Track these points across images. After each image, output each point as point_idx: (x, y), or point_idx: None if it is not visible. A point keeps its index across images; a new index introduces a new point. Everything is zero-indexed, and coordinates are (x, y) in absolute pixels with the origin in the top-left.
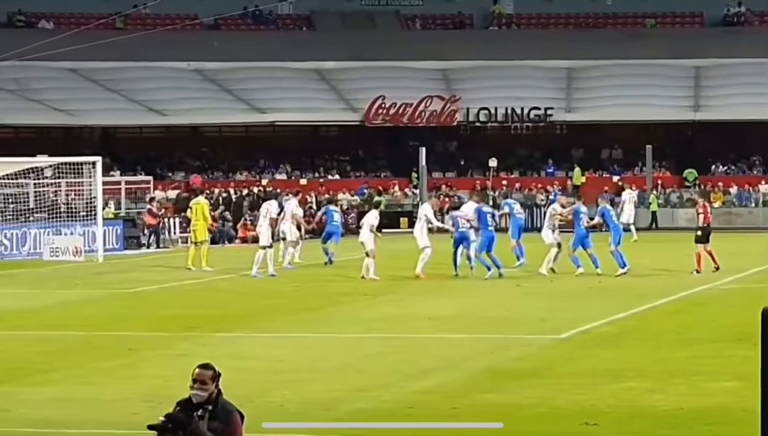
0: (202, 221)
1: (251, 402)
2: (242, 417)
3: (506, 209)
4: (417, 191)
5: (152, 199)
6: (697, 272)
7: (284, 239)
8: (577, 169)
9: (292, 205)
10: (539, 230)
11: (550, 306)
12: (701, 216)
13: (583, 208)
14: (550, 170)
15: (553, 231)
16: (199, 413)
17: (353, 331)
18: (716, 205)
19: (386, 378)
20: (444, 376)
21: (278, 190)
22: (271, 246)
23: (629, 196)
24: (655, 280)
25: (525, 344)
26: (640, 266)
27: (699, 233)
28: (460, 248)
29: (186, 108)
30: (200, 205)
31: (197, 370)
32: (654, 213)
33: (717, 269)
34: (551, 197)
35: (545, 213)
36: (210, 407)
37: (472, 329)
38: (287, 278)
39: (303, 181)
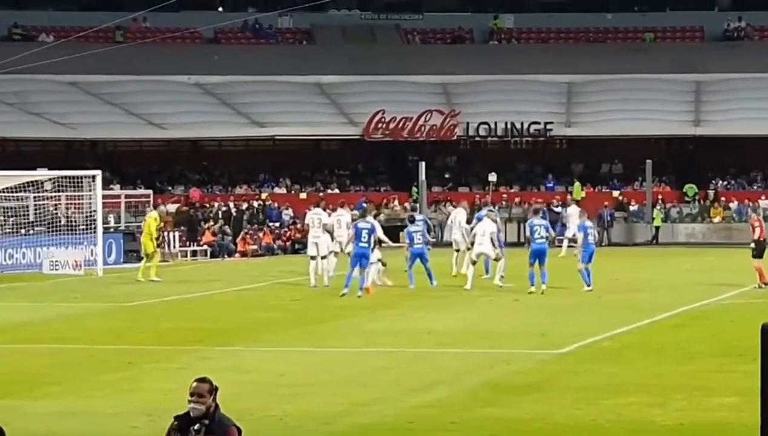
0: (146, 235)
1: (251, 416)
2: (239, 432)
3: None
4: (417, 205)
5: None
6: (761, 285)
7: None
8: (576, 184)
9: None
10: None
11: (550, 320)
12: (757, 230)
13: (589, 223)
14: (550, 185)
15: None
16: (195, 427)
17: (354, 345)
18: (716, 220)
19: (387, 392)
20: (444, 390)
21: (277, 205)
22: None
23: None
24: (655, 294)
25: (525, 358)
26: (640, 280)
27: (753, 247)
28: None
29: (186, 122)
30: (149, 218)
31: (194, 383)
32: (657, 228)
33: (766, 284)
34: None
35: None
36: (207, 422)
37: (471, 343)
38: (288, 291)
39: (303, 196)
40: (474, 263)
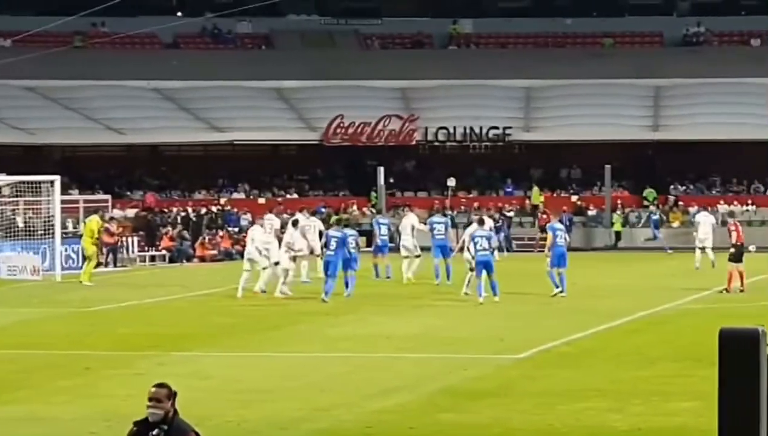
0: (87, 238)
1: (209, 421)
2: None
3: (426, 228)
4: (375, 211)
5: (111, 218)
6: (726, 290)
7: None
8: (535, 189)
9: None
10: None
11: (508, 326)
12: (733, 234)
13: (559, 225)
14: (509, 190)
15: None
16: (154, 433)
17: (313, 350)
18: (675, 224)
19: (345, 397)
20: (403, 396)
21: (236, 210)
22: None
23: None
24: (614, 299)
25: (483, 363)
26: (599, 285)
27: (732, 251)
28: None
29: (145, 127)
30: (90, 221)
31: (153, 389)
32: (618, 233)
33: (741, 291)
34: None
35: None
36: (166, 427)
37: (431, 348)
38: (247, 297)
39: (261, 201)
40: (472, 269)
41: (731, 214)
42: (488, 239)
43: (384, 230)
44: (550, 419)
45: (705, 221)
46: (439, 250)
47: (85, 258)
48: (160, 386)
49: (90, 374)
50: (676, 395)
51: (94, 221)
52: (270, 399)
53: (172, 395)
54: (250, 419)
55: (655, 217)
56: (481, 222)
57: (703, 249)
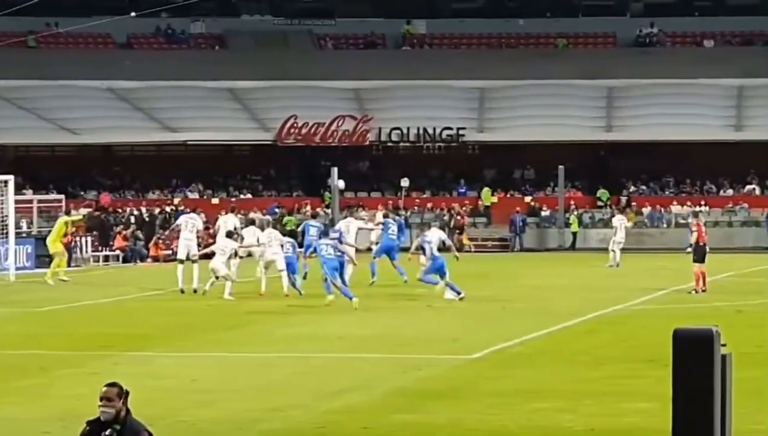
0: (55, 237)
1: (163, 421)
2: None
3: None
4: (329, 211)
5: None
6: (696, 291)
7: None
8: (486, 190)
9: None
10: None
11: (462, 326)
12: (694, 235)
13: (428, 237)
14: (462, 190)
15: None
16: (107, 432)
17: (267, 350)
18: (628, 225)
19: (298, 398)
20: (356, 396)
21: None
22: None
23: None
24: (567, 300)
25: (437, 364)
26: (552, 286)
27: (695, 252)
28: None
29: (98, 127)
30: (60, 223)
31: (104, 388)
32: (574, 234)
33: (703, 291)
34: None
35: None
36: (118, 427)
37: (383, 348)
38: (200, 296)
39: (215, 201)
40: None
41: (695, 214)
42: (334, 247)
43: (313, 231)
44: (503, 420)
45: (620, 224)
46: (384, 250)
47: (50, 257)
48: (111, 385)
49: (44, 374)
50: (630, 395)
51: (63, 222)
52: (223, 399)
53: (123, 394)
54: (204, 419)
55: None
56: (325, 234)
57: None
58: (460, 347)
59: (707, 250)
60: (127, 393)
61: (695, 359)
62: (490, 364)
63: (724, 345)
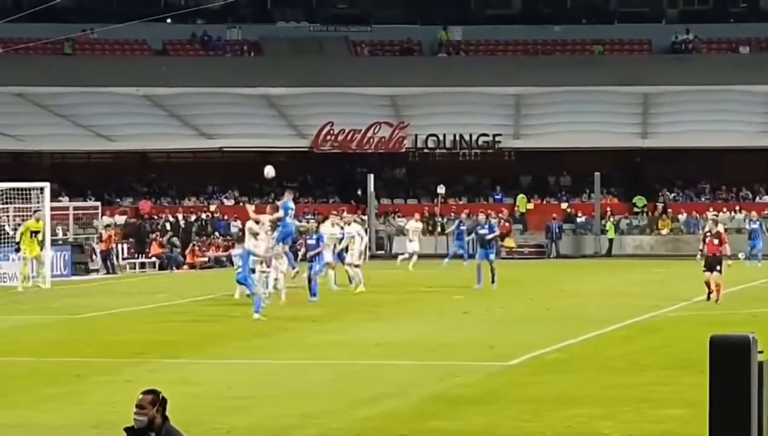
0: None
1: (198, 428)
2: None
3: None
4: (365, 217)
5: (107, 225)
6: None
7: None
8: (521, 196)
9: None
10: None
11: (499, 332)
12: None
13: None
14: (498, 197)
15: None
16: None
17: (301, 357)
18: (664, 232)
19: (334, 404)
20: (392, 402)
21: (226, 216)
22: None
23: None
24: (604, 307)
25: (473, 370)
26: (589, 292)
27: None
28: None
29: (134, 133)
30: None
31: (139, 395)
32: (611, 240)
33: (716, 301)
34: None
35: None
36: (153, 434)
37: (419, 355)
38: (234, 303)
39: (251, 207)
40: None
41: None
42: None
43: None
44: (539, 426)
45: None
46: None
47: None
48: (147, 392)
49: (80, 381)
50: (666, 402)
51: (22, 228)
52: (258, 406)
53: (158, 402)
54: (239, 426)
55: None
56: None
57: None
58: (496, 354)
59: (721, 259)
60: (164, 401)
61: (732, 366)
62: (527, 370)
63: (761, 352)
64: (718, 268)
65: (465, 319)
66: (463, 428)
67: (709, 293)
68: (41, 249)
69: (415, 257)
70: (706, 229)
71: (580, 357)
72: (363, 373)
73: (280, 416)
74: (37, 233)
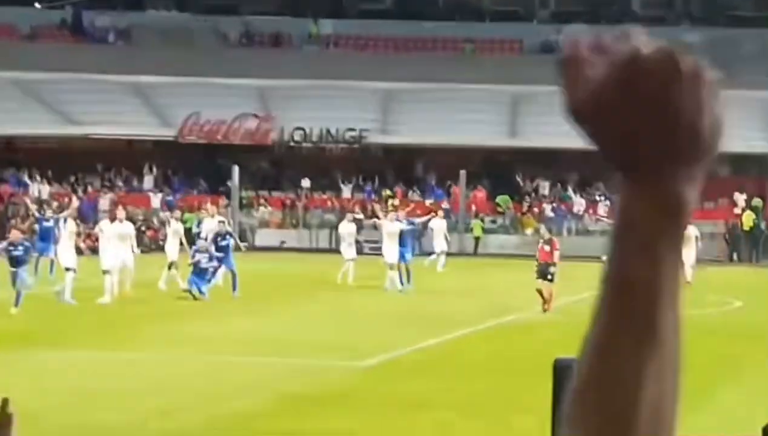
0: None
1: (46, 421)
2: None
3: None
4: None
5: None
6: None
7: None
8: (387, 192)
9: None
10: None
11: (360, 330)
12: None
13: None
14: (368, 190)
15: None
16: None
17: (157, 351)
18: (528, 231)
19: (184, 401)
20: (244, 400)
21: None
22: None
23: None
24: (466, 307)
25: (329, 369)
26: (451, 291)
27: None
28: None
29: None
30: None
31: None
32: (477, 239)
33: (545, 311)
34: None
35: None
36: None
37: (275, 352)
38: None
39: (121, 194)
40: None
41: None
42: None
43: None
44: (394, 428)
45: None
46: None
47: None
48: None
49: None
50: (523, 407)
51: None
52: (103, 402)
53: None
54: (84, 423)
55: None
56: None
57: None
58: (355, 353)
59: (553, 266)
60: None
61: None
62: (383, 371)
63: None
64: (548, 276)
65: (328, 316)
66: (316, 429)
67: (543, 301)
68: None
69: None
70: (541, 232)
71: (439, 358)
72: (216, 369)
73: (126, 410)
74: None
